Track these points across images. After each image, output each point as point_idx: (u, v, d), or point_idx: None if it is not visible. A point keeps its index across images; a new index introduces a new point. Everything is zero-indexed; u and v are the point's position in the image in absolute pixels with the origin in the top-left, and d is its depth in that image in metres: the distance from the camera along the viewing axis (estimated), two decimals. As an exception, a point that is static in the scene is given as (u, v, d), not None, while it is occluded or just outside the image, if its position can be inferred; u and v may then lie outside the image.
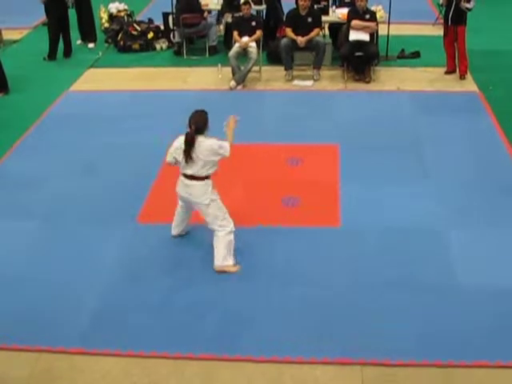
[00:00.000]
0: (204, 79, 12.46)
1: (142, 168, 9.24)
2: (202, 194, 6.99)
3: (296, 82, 12.33)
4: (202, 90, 11.84)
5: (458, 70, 12.27)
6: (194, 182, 6.97)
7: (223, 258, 7.11)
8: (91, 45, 14.45)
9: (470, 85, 12.00)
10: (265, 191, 8.50)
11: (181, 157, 6.91)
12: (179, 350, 6.12)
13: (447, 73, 12.41)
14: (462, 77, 12.19)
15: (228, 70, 12.30)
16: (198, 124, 6.82)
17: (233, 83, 11.91)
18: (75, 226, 8.01)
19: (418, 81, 12.28)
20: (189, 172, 6.95)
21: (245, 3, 12.27)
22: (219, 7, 13.97)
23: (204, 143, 6.83)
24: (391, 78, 12.39)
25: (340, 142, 9.87)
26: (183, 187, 7.08)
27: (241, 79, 11.98)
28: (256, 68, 12.44)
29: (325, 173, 9.07)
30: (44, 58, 13.62)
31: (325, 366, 5.95)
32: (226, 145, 6.92)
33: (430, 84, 12.11)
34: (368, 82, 12.18)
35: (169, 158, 7.12)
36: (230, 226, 7.12)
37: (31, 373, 5.95)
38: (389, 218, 8.04)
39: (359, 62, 12.24)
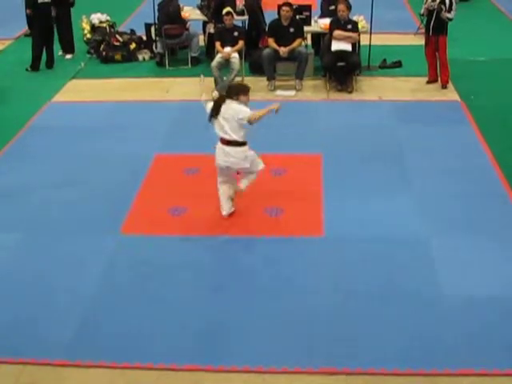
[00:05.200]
0: (186, 90, 12.45)
1: (125, 179, 9.22)
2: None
3: (278, 92, 12.34)
4: (184, 100, 11.84)
5: (439, 79, 12.35)
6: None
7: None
8: (68, 56, 14.38)
9: (451, 94, 12.08)
10: (248, 201, 8.49)
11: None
12: (163, 361, 6.10)
13: (429, 82, 12.48)
14: (444, 86, 12.27)
15: (210, 80, 12.30)
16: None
17: (215, 94, 11.90)
18: (58, 238, 7.97)
19: (399, 90, 12.34)
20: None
21: (227, 14, 12.30)
22: (201, 17, 14.00)
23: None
24: (373, 88, 12.44)
25: (323, 151, 9.89)
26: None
27: (223, 90, 11.97)
28: (238, 78, 12.46)
29: (308, 183, 9.09)
30: (26, 69, 13.56)
31: (309, 375, 5.94)
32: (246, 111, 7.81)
33: (411, 93, 12.18)
34: (350, 92, 12.23)
35: None
36: None
37: (15, 386, 5.92)
38: (372, 227, 8.06)
39: (341, 72, 12.28)
